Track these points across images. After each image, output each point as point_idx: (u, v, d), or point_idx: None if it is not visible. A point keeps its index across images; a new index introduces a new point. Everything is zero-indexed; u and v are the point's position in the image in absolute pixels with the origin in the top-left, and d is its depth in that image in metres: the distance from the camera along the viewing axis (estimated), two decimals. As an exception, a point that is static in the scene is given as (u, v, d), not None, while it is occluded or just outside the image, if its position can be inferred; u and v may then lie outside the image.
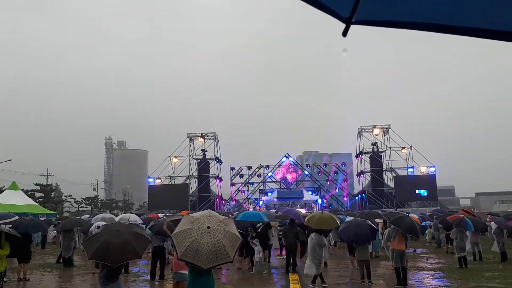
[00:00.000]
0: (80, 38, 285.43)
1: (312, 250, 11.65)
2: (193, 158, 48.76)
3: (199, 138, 48.55)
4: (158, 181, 47.20)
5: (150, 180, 48.04)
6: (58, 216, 33.51)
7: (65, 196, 65.75)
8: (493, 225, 18.85)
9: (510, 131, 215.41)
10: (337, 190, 50.25)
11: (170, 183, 47.36)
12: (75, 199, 64.87)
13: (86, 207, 68.03)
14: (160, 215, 28.52)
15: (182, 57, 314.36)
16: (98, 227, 14.24)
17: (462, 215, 17.21)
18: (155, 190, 46.50)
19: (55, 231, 24.32)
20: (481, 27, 1.56)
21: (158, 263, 13.67)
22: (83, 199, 67.35)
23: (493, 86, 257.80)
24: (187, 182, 47.76)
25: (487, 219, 23.67)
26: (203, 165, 48.11)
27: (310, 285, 11.58)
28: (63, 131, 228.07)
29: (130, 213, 31.77)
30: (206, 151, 48.64)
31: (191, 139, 48.79)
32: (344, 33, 1.67)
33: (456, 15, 1.55)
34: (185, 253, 5.79)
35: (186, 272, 9.06)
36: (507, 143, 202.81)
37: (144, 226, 16.82)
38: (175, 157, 47.51)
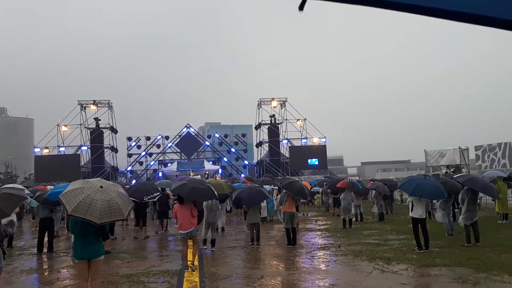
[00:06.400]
0: None
1: (210, 214, 11.86)
2: (85, 127, 45.79)
3: (92, 105, 45.43)
4: (45, 151, 43.61)
5: (36, 150, 44.26)
6: None
7: None
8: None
9: (392, 107, 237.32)
10: (236, 160, 51.25)
11: (59, 153, 44.12)
12: None
13: (-40, 181, 60.68)
14: (49, 187, 26.54)
15: (70, 16, 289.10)
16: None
17: (349, 180, 18.83)
18: (42, 160, 42.98)
19: None
20: (432, 6, 1.57)
21: (46, 235, 12.88)
22: (-43, 171, 60.02)
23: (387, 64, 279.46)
24: (78, 153, 44.90)
25: (368, 185, 26.05)
26: (96, 135, 45.49)
27: (212, 249, 11.81)
28: None
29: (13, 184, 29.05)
30: (100, 119, 45.89)
31: (83, 107, 45.50)
32: (301, 7, 1.59)
33: None
34: (76, 209, 5.50)
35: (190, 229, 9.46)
36: (390, 118, 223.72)
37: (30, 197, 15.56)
38: (64, 125, 44.11)
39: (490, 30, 1.65)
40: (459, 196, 12.04)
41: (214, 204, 11.83)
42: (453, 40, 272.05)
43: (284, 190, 12.67)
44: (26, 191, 18.00)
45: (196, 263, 9.57)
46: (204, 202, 11.79)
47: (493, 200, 17.64)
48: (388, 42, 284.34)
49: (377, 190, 19.12)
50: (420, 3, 1.62)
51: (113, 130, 46.88)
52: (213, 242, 11.92)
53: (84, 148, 45.53)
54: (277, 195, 18.97)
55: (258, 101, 48.04)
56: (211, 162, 47.19)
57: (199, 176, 37.65)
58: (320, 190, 26.96)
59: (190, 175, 36.72)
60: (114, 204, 5.74)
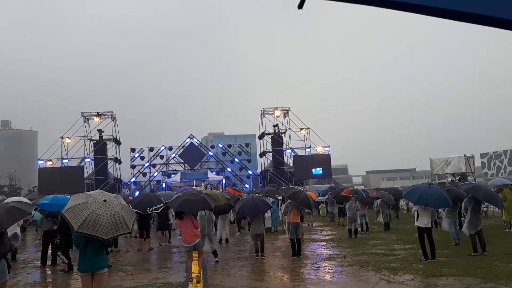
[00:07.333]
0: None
1: (206, 226, 11.79)
2: (89, 139, 45.93)
3: (95, 117, 45.62)
4: (49, 163, 43.73)
5: (40, 162, 44.39)
6: None
7: None
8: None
9: (397, 114, 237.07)
10: (240, 170, 51.15)
11: (63, 165, 44.22)
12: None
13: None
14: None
15: (72, 28, 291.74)
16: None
17: (352, 188, 18.74)
18: (46, 173, 43.07)
19: None
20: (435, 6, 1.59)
21: (49, 248, 12.84)
22: (-39, 184, 60.18)
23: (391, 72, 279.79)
24: (82, 165, 45.00)
25: (373, 193, 25.91)
26: (100, 146, 45.59)
27: (216, 259, 11.75)
28: None
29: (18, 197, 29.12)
30: (103, 131, 46.01)
31: (86, 119, 45.68)
32: (300, 5, 1.61)
33: None
34: (82, 225, 5.47)
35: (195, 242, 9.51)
36: (394, 126, 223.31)
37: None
38: (68, 137, 44.28)
39: (492, 30, 1.63)
40: (462, 204, 11.92)
41: (208, 215, 11.79)
42: (454, 43, 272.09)
43: (288, 200, 12.60)
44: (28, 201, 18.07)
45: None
46: (198, 214, 11.74)
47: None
48: (392, 48, 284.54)
49: (382, 199, 19.01)
50: (421, 2, 1.61)
51: (117, 142, 47.03)
52: (214, 253, 11.83)
53: (87, 160, 45.61)
54: (281, 205, 18.92)
55: (261, 110, 48.09)
56: (214, 173, 47.15)
57: (201, 186, 37.69)
58: (324, 199, 26.83)
59: (200, 186, 36.70)
60: (119, 218, 5.70)
